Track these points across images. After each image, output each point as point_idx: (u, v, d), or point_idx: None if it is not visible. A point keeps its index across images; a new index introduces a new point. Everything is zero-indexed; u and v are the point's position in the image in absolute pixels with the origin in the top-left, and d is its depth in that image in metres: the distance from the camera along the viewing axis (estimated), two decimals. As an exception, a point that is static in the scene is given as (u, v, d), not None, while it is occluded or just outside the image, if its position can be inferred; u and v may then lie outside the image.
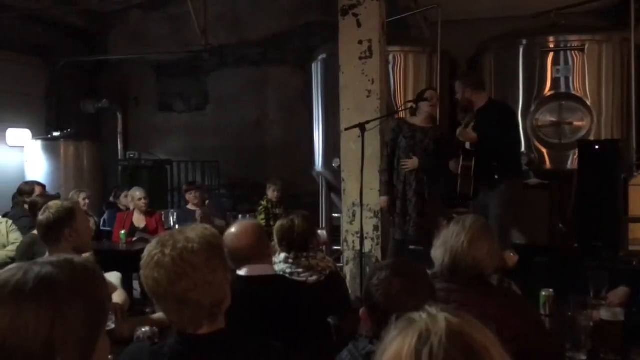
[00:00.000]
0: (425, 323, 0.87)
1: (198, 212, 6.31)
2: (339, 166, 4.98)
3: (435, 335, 0.85)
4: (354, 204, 4.60)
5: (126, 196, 6.99)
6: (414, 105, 5.02)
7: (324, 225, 6.99)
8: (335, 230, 6.63)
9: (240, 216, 6.98)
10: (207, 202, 7.03)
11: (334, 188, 6.82)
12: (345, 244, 4.78)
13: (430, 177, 4.78)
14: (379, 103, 4.60)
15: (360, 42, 4.61)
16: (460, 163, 4.70)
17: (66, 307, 0.99)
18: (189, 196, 6.51)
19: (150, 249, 1.51)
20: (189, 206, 6.55)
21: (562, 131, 6.05)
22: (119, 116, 10.42)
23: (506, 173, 4.67)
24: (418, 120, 4.87)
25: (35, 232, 3.88)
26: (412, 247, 4.92)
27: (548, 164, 6.18)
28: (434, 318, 0.88)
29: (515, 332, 1.85)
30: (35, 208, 4.59)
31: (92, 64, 10.57)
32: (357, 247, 4.46)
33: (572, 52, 6.05)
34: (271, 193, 6.69)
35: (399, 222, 4.78)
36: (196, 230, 1.54)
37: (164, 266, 1.46)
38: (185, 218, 5.99)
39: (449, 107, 6.56)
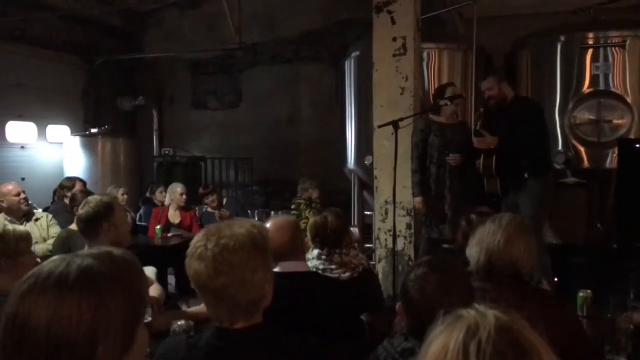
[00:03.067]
0: (474, 318, 0.87)
1: (217, 214, 6.35)
2: (372, 164, 4.96)
3: (484, 330, 0.84)
4: (386, 202, 4.58)
5: (161, 192, 7.10)
6: (448, 103, 4.97)
7: (355, 223, 6.98)
8: (367, 228, 6.61)
9: (272, 212, 7.01)
10: (224, 201, 7.05)
11: (366, 185, 6.79)
12: (377, 241, 4.76)
13: (465, 174, 4.75)
14: (412, 100, 4.56)
15: (394, 39, 4.58)
16: (481, 162, 4.64)
17: (107, 298, 1.01)
18: (207, 200, 6.57)
19: (196, 240, 1.52)
20: (209, 209, 6.62)
21: (601, 129, 5.90)
22: (155, 113, 10.60)
23: (536, 171, 4.57)
24: (444, 118, 4.84)
25: (71, 226, 3.98)
26: (445, 245, 4.88)
27: (586, 163, 6.03)
28: (483, 314, 0.87)
29: (552, 333, 1.81)
30: (74, 202, 4.70)
31: (129, 62, 10.76)
32: (390, 245, 4.43)
33: (613, 48, 5.89)
34: (305, 193, 6.66)
35: (436, 221, 4.75)
36: (243, 227, 1.53)
37: (205, 260, 1.47)
38: (208, 220, 6.03)
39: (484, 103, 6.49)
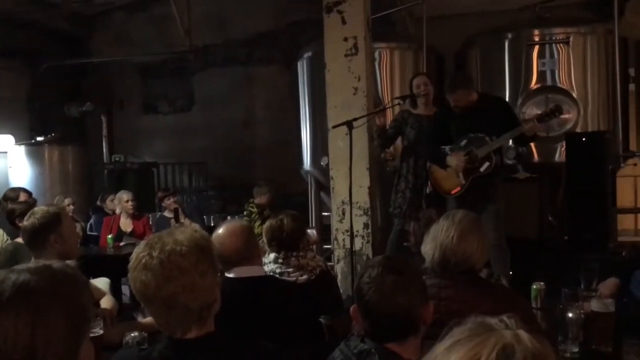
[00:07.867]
0: (509, 337, 0.81)
1: (172, 222, 6.18)
2: (327, 164, 4.95)
3: (521, 354, 0.79)
4: (343, 202, 4.58)
5: (112, 200, 6.91)
6: (401, 102, 4.98)
7: (313, 225, 6.96)
8: (325, 229, 6.60)
9: (229, 217, 6.91)
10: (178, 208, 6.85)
11: (323, 187, 6.79)
12: (335, 242, 4.75)
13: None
14: (365, 100, 4.57)
15: (345, 39, 4.58)
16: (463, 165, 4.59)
17: (46, 314, 0.97)
18: (167, 202, 6.42)
19: (138, 251, 1.48)
20: (166, 213, 6.46)
21: (550, 124, 6.06)
22: (104, 119, 10.31)
23: (498, 167, 4.57)
24: (421, 110, 4.85)
25: (17, 239, 3.82)
26: (406, 243, 4.90)
27: (536, 157, 6.20)
28: (517, 336, 0.82)
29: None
30: (12, 215, 4.51)
31: (76, 67, 10.46)
32: (348, 246, 4.43)
33: (557, 44, 6.08)
34: (260, 198, 6.50)
35: (410, 213, 4.75)
36: (185, 233, 1.51)
37: (152, 269, 1.43)
38: (163, 226, 5.87)
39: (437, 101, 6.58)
